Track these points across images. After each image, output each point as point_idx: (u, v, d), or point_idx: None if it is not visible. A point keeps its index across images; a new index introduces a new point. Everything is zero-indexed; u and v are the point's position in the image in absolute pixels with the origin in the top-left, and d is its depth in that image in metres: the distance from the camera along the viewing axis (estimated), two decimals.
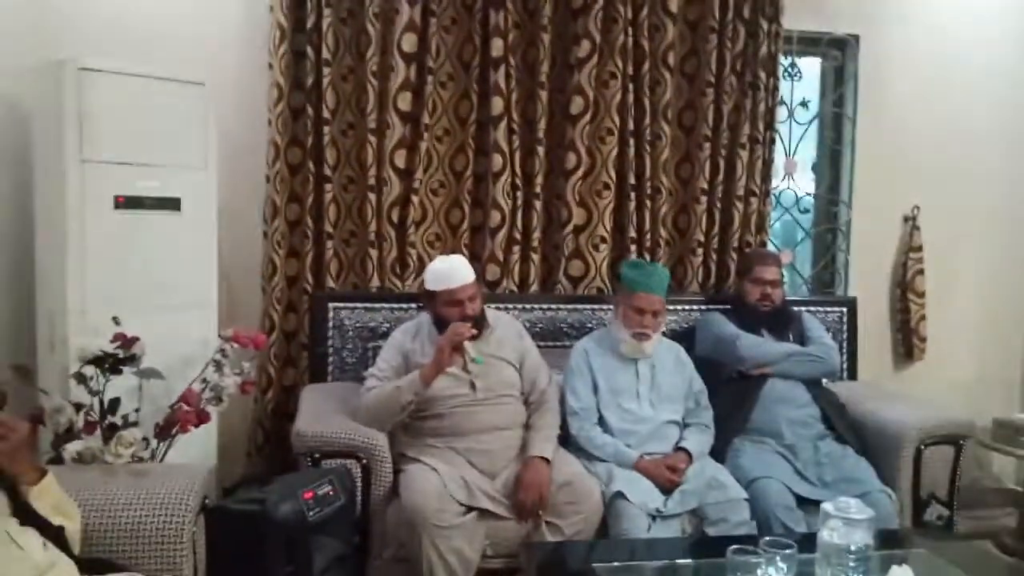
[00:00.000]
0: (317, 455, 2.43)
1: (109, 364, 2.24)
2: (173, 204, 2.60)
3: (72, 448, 2.10)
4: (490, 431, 2.57)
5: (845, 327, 3.42)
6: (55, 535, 1.59)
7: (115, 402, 2.27)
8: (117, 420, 2.25)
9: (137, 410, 2.34)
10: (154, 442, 2.35)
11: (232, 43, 3.08)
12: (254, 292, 3.14)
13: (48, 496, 1.64)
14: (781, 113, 3.54)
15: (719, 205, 3.42)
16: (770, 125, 3.45)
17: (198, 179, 2.66)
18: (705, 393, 2.88)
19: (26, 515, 1.57)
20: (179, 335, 2.55)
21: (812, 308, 3.37)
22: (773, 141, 3.47)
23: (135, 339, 2.32)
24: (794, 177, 3.70)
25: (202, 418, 2.42)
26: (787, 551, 1.72)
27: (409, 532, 2.33)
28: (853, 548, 1.75)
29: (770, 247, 3.54)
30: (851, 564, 1.75)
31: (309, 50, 3.03)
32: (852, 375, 3.40)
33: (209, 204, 2.70)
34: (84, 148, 2.43)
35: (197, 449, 2.56)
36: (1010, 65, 3.76)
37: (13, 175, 2.68)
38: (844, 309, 3.44)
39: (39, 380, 2.41)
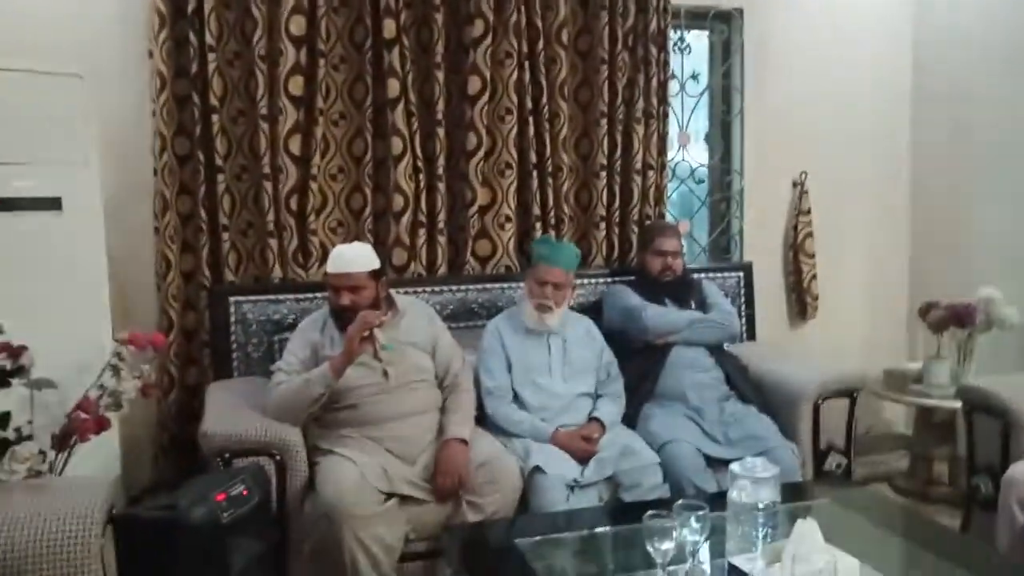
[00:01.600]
0: (227, 455, 2.37)
1: None
2: (53, 204, 2.46)
3: None
4: (405, 417, 2.56)
5: (742, 291, 3.56)
6: None
7: (5, 416, 2.15)
8: (9, 434, 2.13)
9: (30, 422, 2.22)
10: (51, 454, 2.24)
11: (109, 33, 2.92)
12: (148, 290, 3.01)
13: None
14: (673, 87, 3.62)
15: (618, 180, 3.48)
16: (663, 99, 3.52)
17: (79, 176, 2.52)
18: (615, 364, 2.95)
19: None
20: (70, 340, 2.41)
21: (711, 275, 3.50)
22: (667, 115, 3.55)
23: (22, 348, 2.20)
24: (688, 149, 3.80)
25: (101, 425, 2.31)
26: (699, 512, 1.78)
27: (328, 524, 2.30)
28: (761, 505, 1.84)
29: (668, 218, 3.64)
30: (760, 521, 1.83)
31: (192, 36, 2.90)
32: (751, 336, 3.55)
33: (93, 201, 2.56)
34: None
35: (99, 458, 2.45)
36: (886, 34, 3.96)
37: None
38: (740, 274, 3.58)
39: None
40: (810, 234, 3.83)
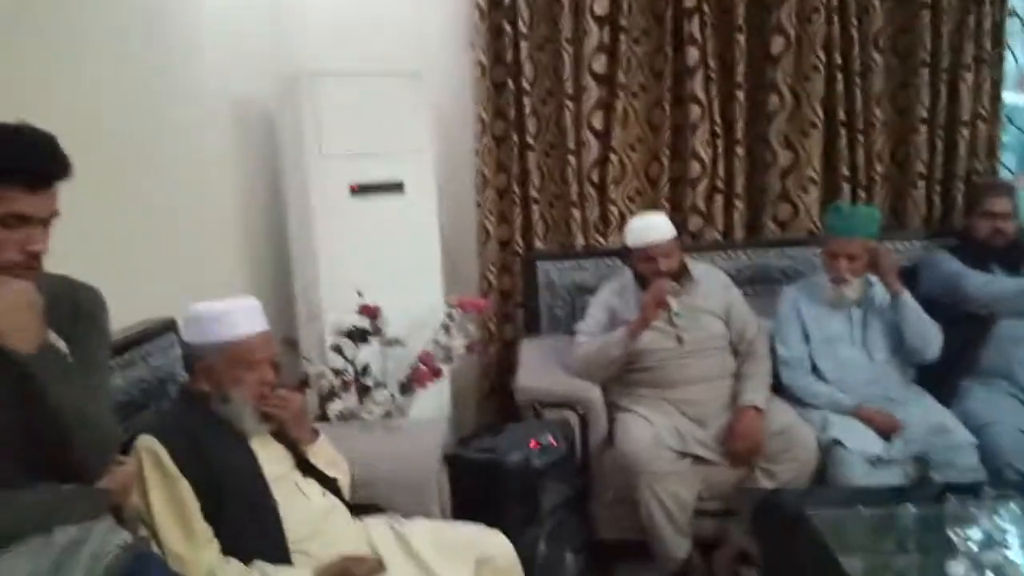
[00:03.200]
0: (539, 406, 2.66)
1: (359, 335, 2.58)
2: (398, 187, 2.89)
3: (334, 408, 2.46)
4: (699, 382, 2.66)
5: None
6: (332, 485, 1.92)
7: (366, 367, 2.62)
8: (368, 382, 2.60)
9: (383, 371, 2.69)
10: (399, 397, 2.68)
11: (437, 30, 3.30)
12: (471, 257, 3.41)
13: (323, 453, 1.97)
14: (1011, 24, 3.21)
15: (941, 133, 3.20)
16: (998, 41, 3.15)
17: (418, 162, 2.93)
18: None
19: (307, 469, 1.90)
20: (411, 303, 2.84)
21: None
22: (1002, 58, 3.17)
23: (377, 309, 2.65)
24: None
25: (436, 374, 2.72)
26: (1010, 502, 1.68)
27: (627, 478, 2.49)
28: None
29: (1002, 174, 3.26)
30: None
31: (506, 25, 3.18)
32: None
33: (429, 183, 2.96)
34: (322, 145, 2.76)
35: (435, 401, 2.87)
36: None
37: (265, 171, 3.07)
38: None
39: (301, 350, 2.82)
40: None
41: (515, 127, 3.27)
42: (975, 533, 1.68)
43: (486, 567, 1.83)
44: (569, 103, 3.20)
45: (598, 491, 2.65)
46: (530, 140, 3.26)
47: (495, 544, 1.90)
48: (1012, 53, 3.25)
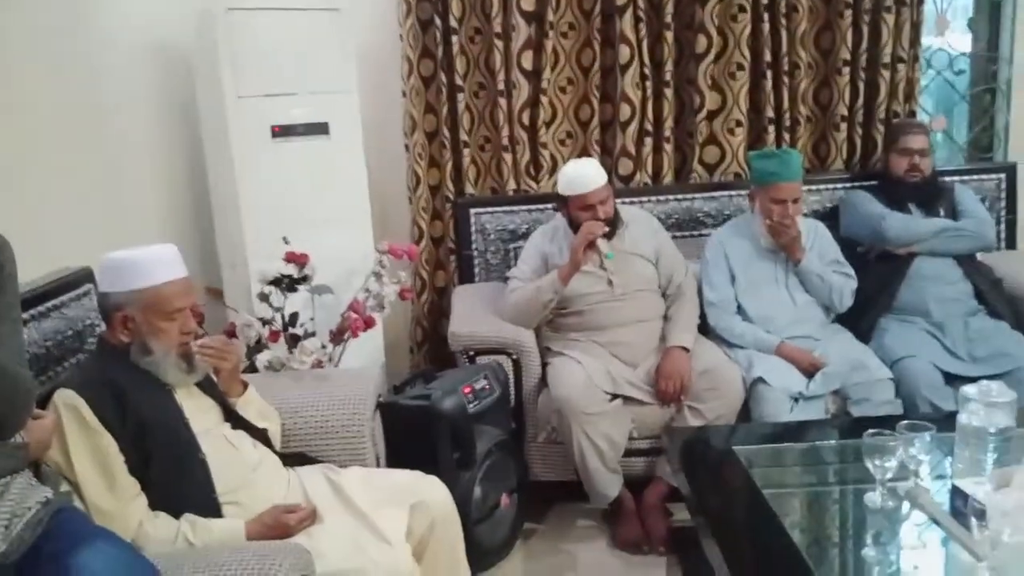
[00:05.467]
0: (472, 352, 2.66)
1: (286, 284, 2.52)
2: (322, 129, 2.80)
3: (263, 358, 2.41)
4: (629, 324, 2.70)
5: (1003, 195, 3.23)
6: (262, 436, 1.89)
7: (294, 316, 2.57)
8: (298, 331, 2.55)
9: (312, 319, 2.64)
10: (330, 347, 2.64)
11: None
12: (402, 203, 3.35)
13: (253, 404, 1.93)
14: None
15: (863, 75, 3.25)
16: None
17: (343, 103, 2.84)
18: (844, 263, 2.86)
19: (236, 421, 1.86)
20: (340, 250, 2.79)
21: (967, 177, 3.20)
22: (922, 1, 3.22)
23: (304, 256, 2.59)
24: (946, 35, 3.43)
25: (368, 323, 2.68)
26: (924, 432, 1.76)
27: (560, 420, 2.53)
28: (993, 431, 1.77)
29: (921, 115, 3.36)
30: (991, 445, 1.77)
31: None
32: (1011, 245, 3.23)
33: (355, 125, 2.88)
34: (240, 84, 2.64)
35: (367, 350, 2.85)
36: None
37: (182, 116, 2.94)
38: (1002, 176, 3.23)
39: (225, 299, 2.75)
40: None
41: (443, 67, 3.19)
42: (890, 463, 1.76)
43: (422, 512, 1.84)
44: (498, 42, 3.14)
45: (532, 434, 2.69)
46: (459, 81, 3.19)
47: (430, 489, 1.91)
48: None
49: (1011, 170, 3.25)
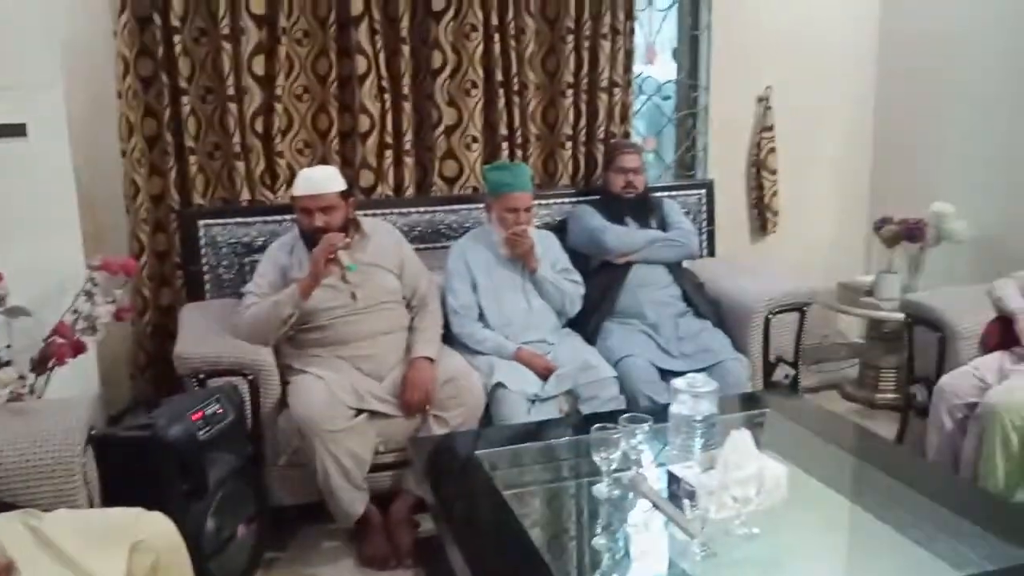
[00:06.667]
0: (202, 375, 2.47)
1: None
2: (18, 130, 2.47)
3: None
4: (373, 337, 2.67)
5: (704, 208, 3.64)
6: None
7: None
8: None
9: (8, 347, 2.31)
10: (31, 377, 2.33)
11: None
12: (119, 214, 3.05)
13: None
14: (640, 1, 3.60)
15: (584, 97, 3.49)
16: (630, 14, 3.49)
17: (44, 100, 2.52)
18: (572, 271, 3.07)
19: None
20: (43, 267, 2.47)
21: (674, 192, 3.56)
22: (633, 30, 3.53)
23: None
24: (655, 64, 3.80)
25: (78, 349, 2.40)
26: (643, 424, 1.92)
27: (301, 439, 2.44)
28: (699, 418, 1.98)
29: (635, 136, 3.68)
30: (698, 431, 1.98)
31: None
32: (711, 253, 3.65)
33: (59, 127, 2.56)
34: None
35: (78, 379, 2.54)
36: None
37: None
38: (703, 191, 3.65)
39: None
40: (772, 150, 3.88)
41: (164, 68, 2.95)
42: (615, 455, 1.90)
43: (143, 552, 1.67)
44: (226, 44, 2.97)
45: (272, 458, 2.56)
46: (183, 83, 2.97)
47: (152, 525, 1.74)
48: (642, 26, 3.65)
49: (709, 186, 3.68)
